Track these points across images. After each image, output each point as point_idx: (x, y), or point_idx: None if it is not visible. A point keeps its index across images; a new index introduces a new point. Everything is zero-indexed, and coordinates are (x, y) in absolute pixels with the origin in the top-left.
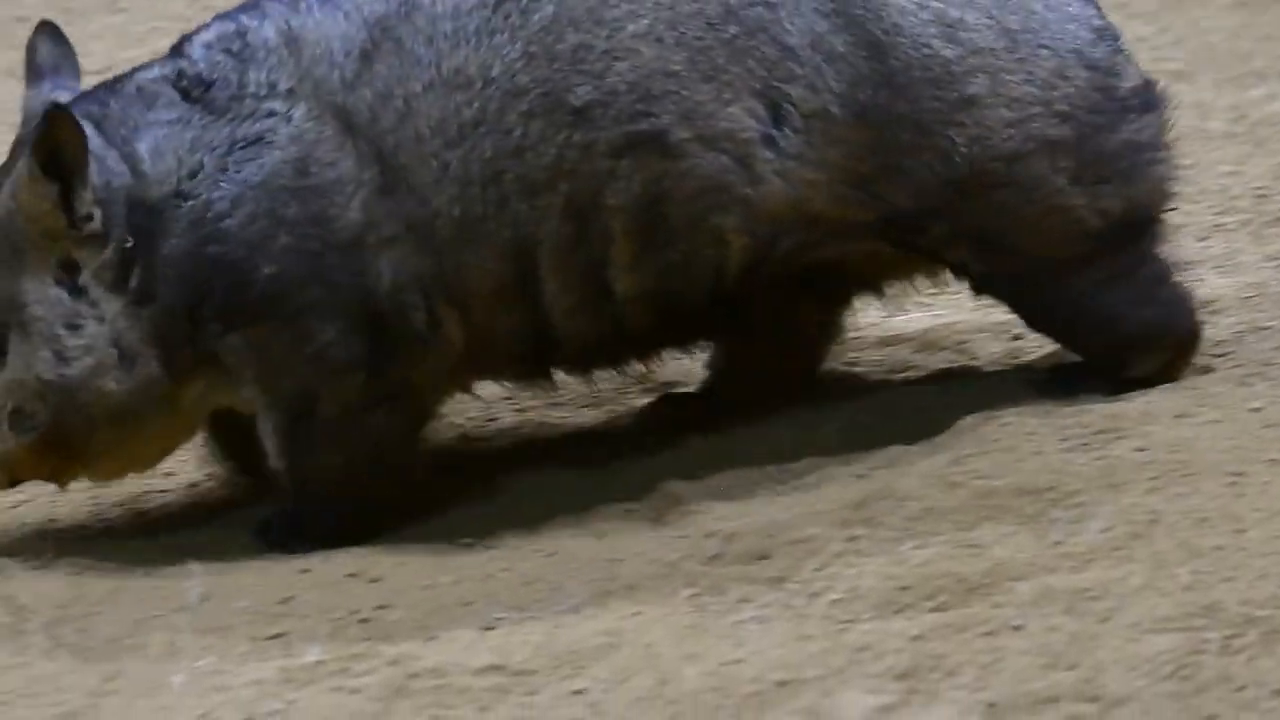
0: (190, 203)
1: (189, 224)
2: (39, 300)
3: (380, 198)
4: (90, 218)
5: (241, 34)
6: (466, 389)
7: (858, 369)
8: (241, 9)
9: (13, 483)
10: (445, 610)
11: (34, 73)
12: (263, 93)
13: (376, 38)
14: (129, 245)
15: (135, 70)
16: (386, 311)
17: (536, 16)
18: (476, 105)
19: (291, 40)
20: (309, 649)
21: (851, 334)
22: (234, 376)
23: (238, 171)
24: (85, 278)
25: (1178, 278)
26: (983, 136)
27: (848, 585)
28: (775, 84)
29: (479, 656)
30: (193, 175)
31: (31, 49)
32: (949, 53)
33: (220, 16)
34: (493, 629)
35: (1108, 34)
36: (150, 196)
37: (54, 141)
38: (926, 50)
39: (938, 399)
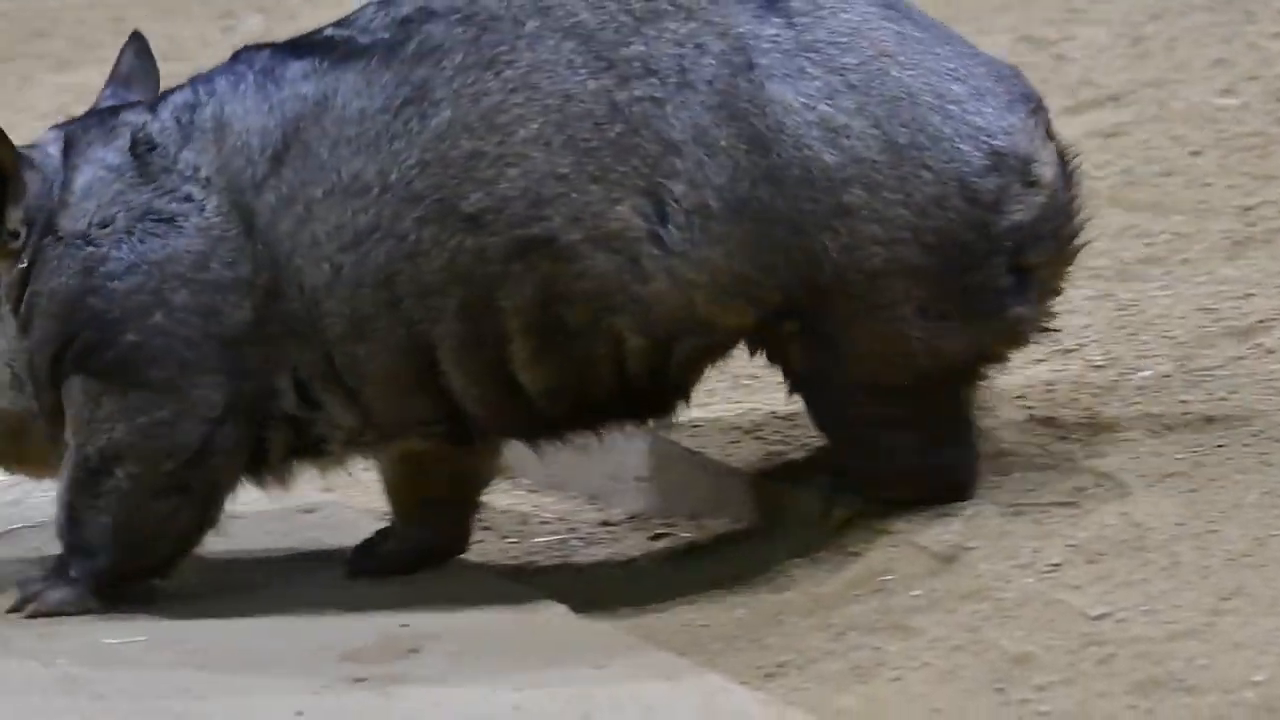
0: (90, 249)
1: (82, 269)
2: None
3: (270, 300)
4: (16, 235)
5: (191, 108)
6: (380, 454)
7: None
8: (211, 75)
9: None
10: None
11: (108, 80)
12: (188, 173)
13: (289, 138)
14: (23, 267)
15: (132, 105)
16: (247, 396)
17: (433, 122)
18: (372, 211)
19: (220, 127)
20: None
21: None
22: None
23: (142, 241)
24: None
25: (970, 435)
26: (853, 247)
27: None
28: (659, 180)
29: None
30: (103, 225)
31: (118, 57)
32: (829, 158)
33: (194, 80)
34: None
35: (1007, 160)
36: (62, 229)
37: None
38: (807, 152)
39: None
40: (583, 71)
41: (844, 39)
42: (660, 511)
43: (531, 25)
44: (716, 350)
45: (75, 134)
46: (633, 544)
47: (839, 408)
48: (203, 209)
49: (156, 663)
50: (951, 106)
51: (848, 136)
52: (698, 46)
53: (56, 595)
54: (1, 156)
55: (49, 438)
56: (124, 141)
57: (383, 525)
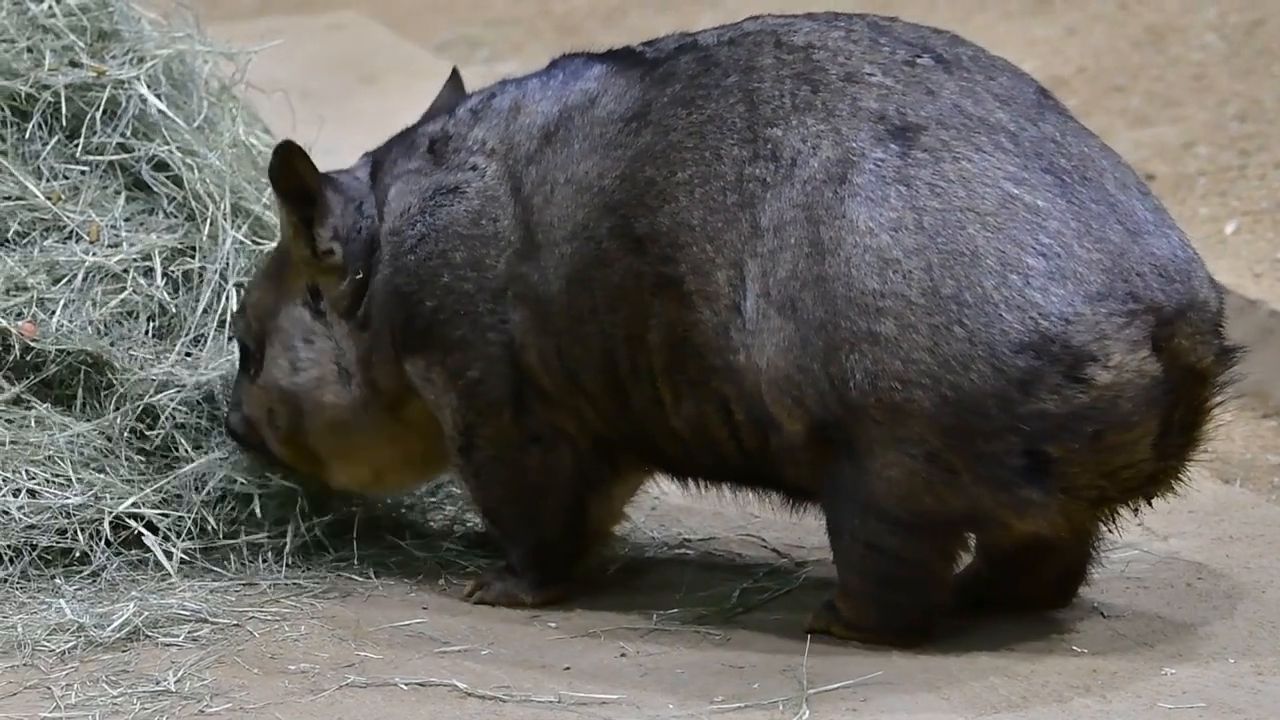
0: (395, 239)
1: (391, 257)
2: (287, 316)
3: (518, 259)
4: (331, 252)
5: (489, 97)
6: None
7: None
8: (524, 77)
9: (292, 469)
10: None
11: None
12: (475, 147)
13: (560, 123)
14: (359, 278)
15: (433, 118)
16: (520, 364)
17: (640, 141)
18: (586, 211)
19: (515, 109)
20: None
21: None
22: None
23: (431, 215)
24: (325, 304)
25: (931, 592)
26: (876, 375)
27: None
28: (745, 257)
29: None
30: (404, 214)
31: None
32: (872, 284)
33: (503, 80)
34: None
35: (1051, 346)
36: (383, 237)
37: (288, 174)
38: (855, 271)
39: None
40: (735, 136)
41: (943, 184)
42: None
43: (730, 80)
44: (802, 457)
45: (381, 155)
46: None
47: (837, 520)
48: (484, 175)
49: None
50: (1014, 276)
51: (895, 271)
52: (815, 147)
53: (499, 586)
54: (309, 182)
55: (380, 426)
56: (423, 146)
57: None
